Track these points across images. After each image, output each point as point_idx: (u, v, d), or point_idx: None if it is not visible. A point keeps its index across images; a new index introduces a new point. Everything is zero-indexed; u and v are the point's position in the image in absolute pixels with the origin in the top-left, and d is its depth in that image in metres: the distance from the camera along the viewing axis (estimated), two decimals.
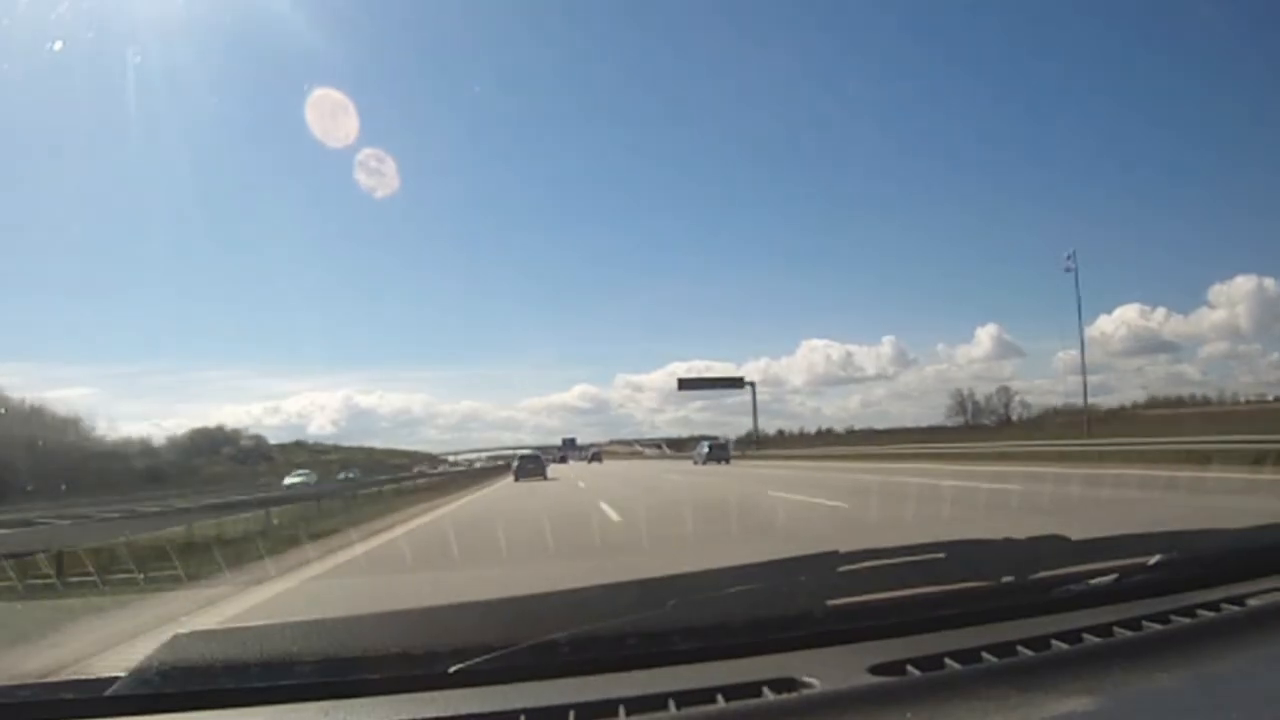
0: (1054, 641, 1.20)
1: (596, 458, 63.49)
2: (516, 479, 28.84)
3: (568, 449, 68.89)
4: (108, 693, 1.12)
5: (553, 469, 36.04)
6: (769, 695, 1.06)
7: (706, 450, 43.71)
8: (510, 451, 60.20)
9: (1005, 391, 66.30)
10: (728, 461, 40.54)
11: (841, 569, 1.38)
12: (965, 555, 1.50)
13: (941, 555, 1.44)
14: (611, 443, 77.91)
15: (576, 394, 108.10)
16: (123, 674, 1.13)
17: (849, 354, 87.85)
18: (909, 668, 1.13)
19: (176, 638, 1.18)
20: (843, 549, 1.42)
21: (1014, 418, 60.44)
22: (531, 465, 30.74)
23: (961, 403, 62.29)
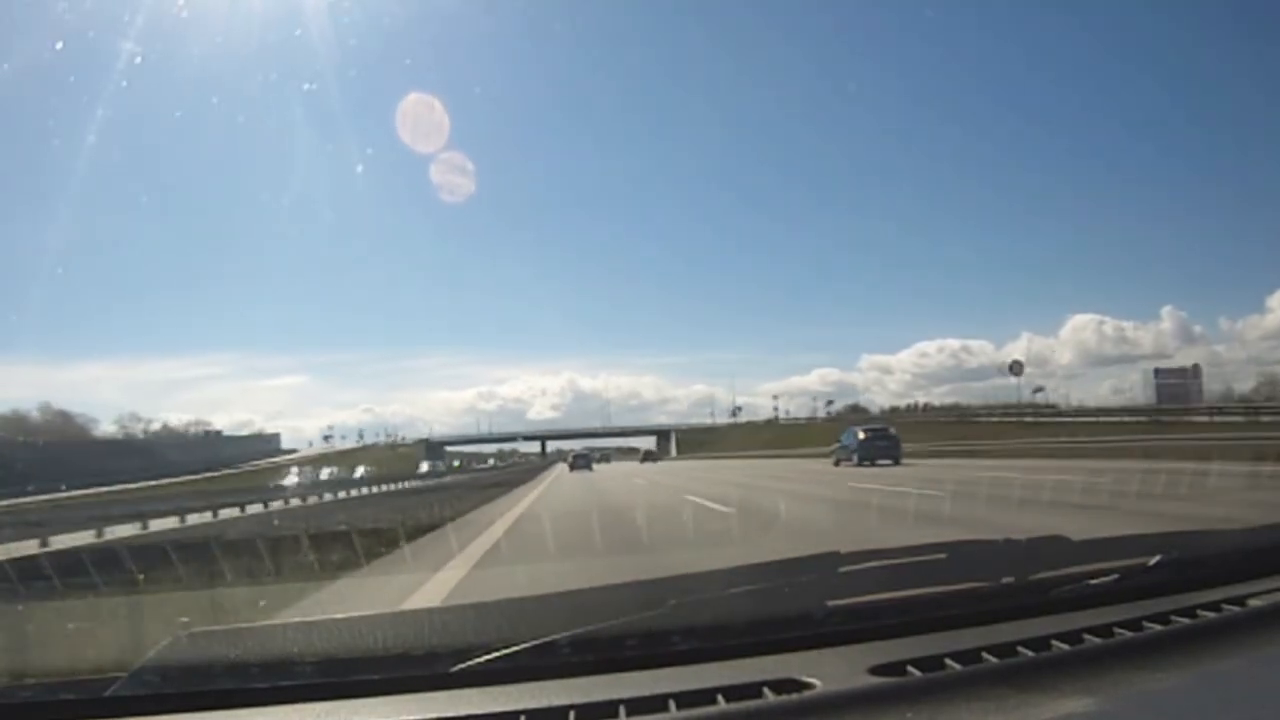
0: (1054, 642, 1.20)
1: (652, 456, 50.55)
2: (571, 469, 40.67)
3: None
4: (108, 693, 1.12)
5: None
6: (769, 696, 1.06)
7: (860, 439, 23.79)
8: None
9: None
10: (896, 461, 22.41)
11: (842, 569, 1.38)
12: (966, 556, 1.50)
13: (942, 556, 1.44)
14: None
15: (816, 377, 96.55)
16: (123, 674, 1.13)
17: (1121, 330, 78.44)
18: (909, 668, 1.12)
19: (177, 638, 1.18)
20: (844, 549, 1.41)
21: None
22: (581, 461, 43.40)
23: None
